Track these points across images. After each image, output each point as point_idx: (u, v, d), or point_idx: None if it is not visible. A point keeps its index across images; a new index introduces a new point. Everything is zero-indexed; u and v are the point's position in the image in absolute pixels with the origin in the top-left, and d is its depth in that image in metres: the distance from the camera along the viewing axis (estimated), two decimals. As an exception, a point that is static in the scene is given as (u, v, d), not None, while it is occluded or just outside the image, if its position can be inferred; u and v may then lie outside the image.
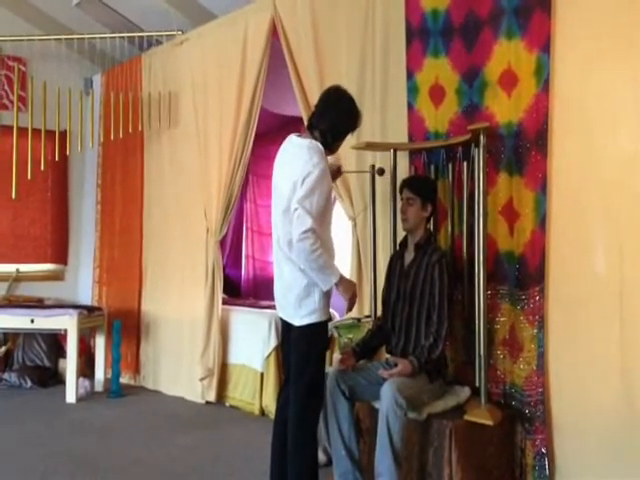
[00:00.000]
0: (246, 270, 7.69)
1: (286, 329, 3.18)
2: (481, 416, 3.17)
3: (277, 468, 3.18)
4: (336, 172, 3.41)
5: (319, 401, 3.09)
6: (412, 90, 3.86)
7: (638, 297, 2.97)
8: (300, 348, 3.05)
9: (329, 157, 3.17)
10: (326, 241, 2.98)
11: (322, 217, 2.94)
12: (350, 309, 3.12)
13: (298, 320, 3.02)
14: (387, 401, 2.99)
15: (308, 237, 2.83)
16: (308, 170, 2.90)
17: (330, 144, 3.08)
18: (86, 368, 6.13)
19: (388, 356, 3.53)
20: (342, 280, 2.98)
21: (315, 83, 4.48)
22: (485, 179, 3.29)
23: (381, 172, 3.90)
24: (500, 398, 3.43)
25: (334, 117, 3.06)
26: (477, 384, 3.28)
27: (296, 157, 3.00)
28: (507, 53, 3.41)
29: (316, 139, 3.04)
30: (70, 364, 5.56)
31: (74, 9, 6.37)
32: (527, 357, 3.31)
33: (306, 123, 3.20)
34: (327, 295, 3.02)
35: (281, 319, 3.20)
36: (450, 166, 3.69)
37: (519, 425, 3.35)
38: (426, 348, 3.20)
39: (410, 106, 3.88)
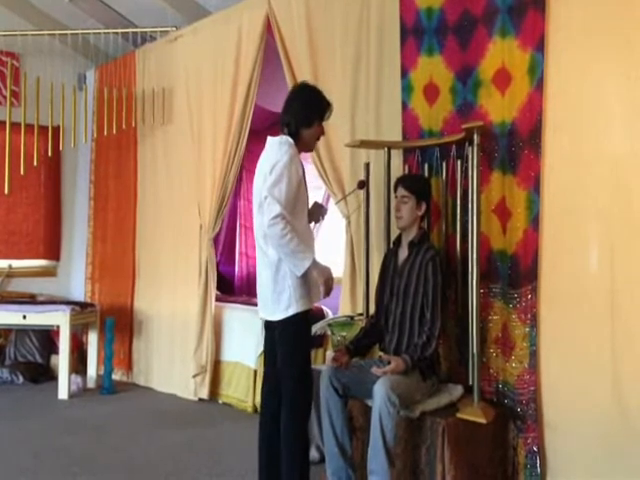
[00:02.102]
0: (240, 267, 7.67)
1: (268, 329, 3.23)
2: (474, 414, 3.18)
3: (265, 468, 3.20)
4: (318, 210, 3.42)
5: (309, 394, 3.11)
6: (406, 88, 3.86)
7: (629, 295, 2.98)
8: (284, 343, 3.10)
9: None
10: (301, 232, 3.00)
11: (293, 206, 2.98)
12: (327, 294, 3.10)
13: (277, 315, 3.07)
14: (380, 399, 2.99)
15: (277, 222, 2.88)
16: (277, 158, 2.99)
17: (294, 135, 3.12)
18: (78, 364, 6.14)
19: (381, 354, 3.53)
20: (316, 265, 3.00)
21: (309, 80, 4.43)
22: (479, 178, 3.30)
23: (362, 185, 3.87)
24: (493, 396, 3.44)
25: (295, 107, 3.16)
26: (470, 382, 3.29)
27: (268, 152, 3.12)
28: (501, 52, 3.41)
29: (286, 134, 3.13)
30: (62, 360, 5.55)
31: (68, 4, 6.33)
32: (519, 355, 3.33)
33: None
34: (304, 287, 3.04)
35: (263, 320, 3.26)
36: (444, 164, 3.69)
37: (511, 423, 3.36)
38: (419, 346, 3.21)
39: (404, 104, 3.88)
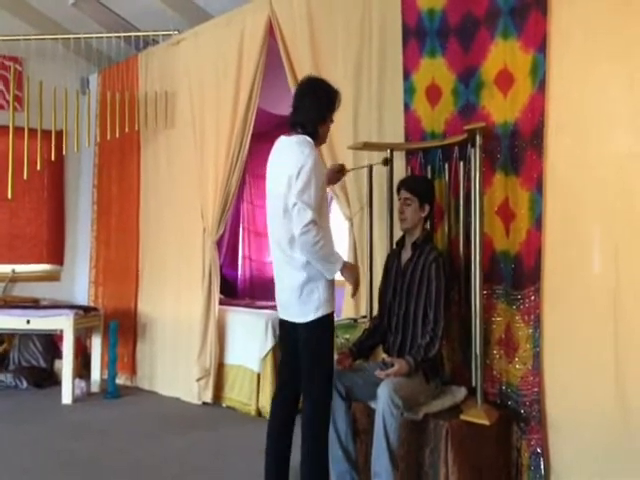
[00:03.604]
0: (243, 270, 7.69)
1: (289, 331, 3.17)
2: (477, 416, 3.17)
3: (273, 472, 3.19)
4: (338, 172, 3.51)
5: (330, 400, 3.11)
6: (408, 90, 3.86)
7: (633, 296, 2.97)
8: (309, 345, 3.07)
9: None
10: (326, 230, 3.03)
11: (320, 207, 2.99)
12: (355, 293, 3.18)
13: (304, 317, 3.04)
14: (383, 401, 2.99)
15: (310, 229, 2.88)
16: (301, 163, 2.95)
17: (313, 134, 3.10)
18: (82, 369, 6.14)
19: (385, 356, 3.53)
20: (345, 266, 3.06)
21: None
22: (481, 179, 3.30)
23: (386, 162, 3.85)
24: (496, 398, 3.43)
25: (308, 106, 3.11)
26: (473, 384, 3.28)
27: (287, 154, 3.06)
28: (503, 53, 3.41)
29: (300, 133, 3.09)
30: (66, 365, 5.54)
31: (70, 8, 6.36)
32: (523, 357, 3.32)
33: (289, 124, 3.21)
34: (330, 289, 3.06)
35: (282, 321, 3.22)
36: (446, 166, 3.69)
37: (515, 425, 3.34)
38: (422, 347, 3.20)
39: (406, 106, 3.88)
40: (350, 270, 3.11)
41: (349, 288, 3.27)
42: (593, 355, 3.08)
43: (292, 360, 3.18)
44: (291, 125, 3.15)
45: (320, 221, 2.95)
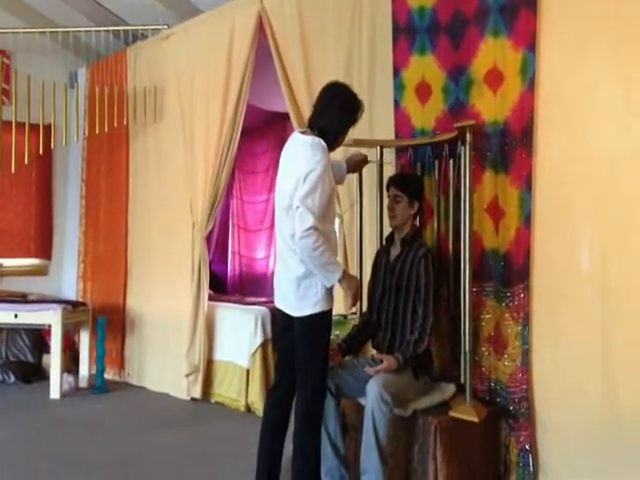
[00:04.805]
0: (232, 266, 7.68)
1: (286, 323, 3.16)
2: (466, 412, 3.19)
3: (266, 469, 3.19)
4: (362, 162, 3.55)
5: (324, 397, 3.11)
6: (398, 87, 3.86)
7: (621, 294, 3.00)
8: (305, 341, 3.07)
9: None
10: (329, 234, 3.02)
11: (324, 213, 2.97)
12: (353, 304, 3.15)
13: (301, 312, 3.03)
14: (373, 397, 3.00)
15: (310, 234, 2.86)
16: (310, 167, 2.92)
17: (330, 143, 3.07)
18: (70, 364, 6.11)
19: (374, 352, 3.54)
20: (345, 276, 3.04)
21: (302, 79, 4.47)
22: (471, 177, 3.31)
23: None
24: (485, 395, 3.45)
25: (331, 117, 3.08)
26: (462, 381, 3.30)
27: (299, 154, 3.03)
28: (493, 51, 3.42)
29: (317, 135, 3.05)
30: (54, 359, 5.53)
31: (59, 2, 6.30)
32: (512, 354, 3.34)
33: (307, 123, 3.19)
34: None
35: (281, 313, 3.19)
36: (436, 163, 3.69)
37: (503, 422, 3.37)
38: (411, 343, 3.21)
39: (396, 103, 3.88)
40: (349, 281, 3.08)
41: (345, 296, 3.25)
42: (582, 352, 3.10)
43: (287, 354, 3.17)
44: (310, 125, 3.12)
45: (323, 226, 2.93)
